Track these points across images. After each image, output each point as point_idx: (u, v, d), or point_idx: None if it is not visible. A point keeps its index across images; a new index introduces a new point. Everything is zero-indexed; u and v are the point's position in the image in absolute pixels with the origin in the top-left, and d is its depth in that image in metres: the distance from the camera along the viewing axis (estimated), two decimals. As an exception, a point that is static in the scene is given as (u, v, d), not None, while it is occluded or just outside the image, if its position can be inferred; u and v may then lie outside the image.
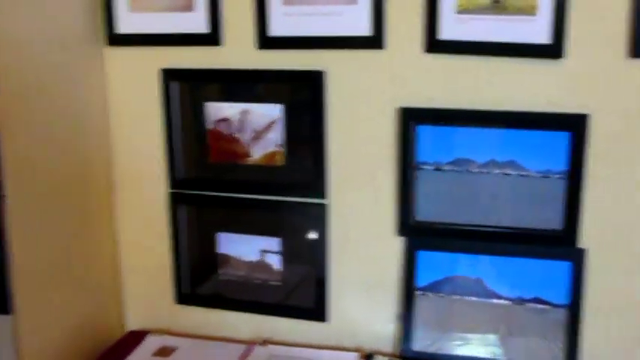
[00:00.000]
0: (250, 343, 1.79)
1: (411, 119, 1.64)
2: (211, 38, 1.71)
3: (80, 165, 1.74)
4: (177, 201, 1.82)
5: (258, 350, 1.76)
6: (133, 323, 1.94)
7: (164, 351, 1.78)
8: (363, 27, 1.63)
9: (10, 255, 1.53)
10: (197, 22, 1.71)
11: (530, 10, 1.53)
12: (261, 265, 1.80)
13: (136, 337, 1.85)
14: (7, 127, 1.49)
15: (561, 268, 1.64)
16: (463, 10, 1.57)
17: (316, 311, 1.78)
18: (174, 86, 1.76)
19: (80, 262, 1.76)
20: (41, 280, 1.61)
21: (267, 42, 1.68)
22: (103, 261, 1.86)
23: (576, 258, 1.63)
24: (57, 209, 1.67)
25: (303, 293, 1.79)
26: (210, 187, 1.79)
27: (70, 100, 1.69)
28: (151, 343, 1.81)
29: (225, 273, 1.83)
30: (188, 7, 1.71)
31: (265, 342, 1.79)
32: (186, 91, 1.76)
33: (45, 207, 1.63)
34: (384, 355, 1.74)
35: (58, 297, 1.68)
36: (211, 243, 1.82)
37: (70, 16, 1.69)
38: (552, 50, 1.54)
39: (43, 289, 1.63)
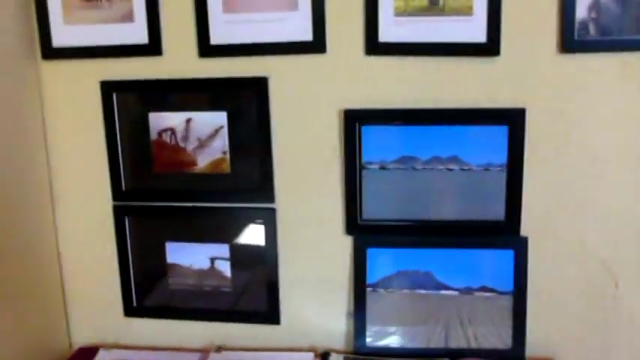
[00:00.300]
0: (204, 351, 1.80)
1: (355, 120, 1.68)
2: (152, 48, 1.71)
3: (19, 182, 1.71)
4: (122, 213, 1.81)
5: (213, 357, 1.77)
6: (80, 339, 1.91)
7: (120, 365, 1.76)
8: (304, 32, 1.65)
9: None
10: (137, 32, 1.71)
11: (466, 11, 1.59)
12: (212, 273, 1.80)
13: (86, 354, 1.82)
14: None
15: (505, 257, 1.71)
16: (401, 13, 1.62)
17: (269, 314, 1.81)
18: (116, 98, 1.75)
19: (24, 279, 1.73)
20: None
21: (208, 50, 1.70)
22: (47, 277, 1.83)
23: (519, 246, 1.70)
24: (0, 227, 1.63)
25: (254, 297, 1.80)
26: (157, 198, 1.79)
27: (3, 116, 1.64)
28: (103, 359, 1.79)
29: (174, 282, 1.83)
30: (127, 18, 1.70)
31: (220, 349, 1.80)
32: (128, 103, 1.75)
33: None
34: (338, 352, 1.77)
35: (5, 316, 1.63)
36: (160, 253, 1.82)
37: (1, 30, 1.65)
38: (489, 48, 1.61)
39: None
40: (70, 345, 1.92)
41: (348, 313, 1.78)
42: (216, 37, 1.68)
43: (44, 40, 1.75)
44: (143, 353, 1.81)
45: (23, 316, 1.72)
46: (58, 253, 1.87)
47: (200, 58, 1.70)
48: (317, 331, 1.80)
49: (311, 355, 1.76)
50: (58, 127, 1.80)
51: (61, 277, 1.89)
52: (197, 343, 1.85)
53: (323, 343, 1.80)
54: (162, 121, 1.74)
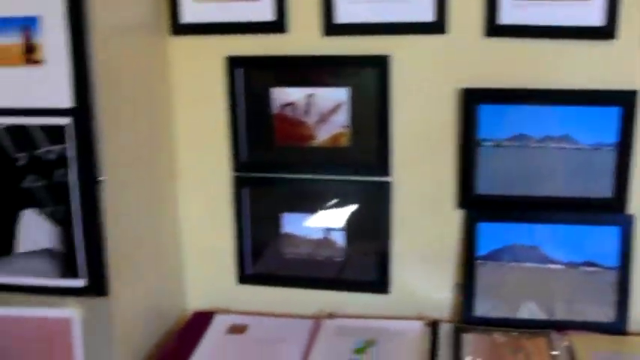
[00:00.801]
0: (316, 318, 1.87)
1: (473, 99, 1.75)
2: (277, 25, 1.78)
3: (144, 152, 1.79)
4: (241, 184, 1.89)
5: (326, 324, 1.84)
6: (194, 304, 1.99)
7: (236, 329, 1.84)
8: (426, 13, 1.72)
9: (105, 238, 1.57)
10: (263, 10, 1.78)
11: (585, -5, 1.66)
12: (325, 243, 1.88)
13: (202, 318, 1.90)
14: (105, 114, 1.54)
15: (611, 234, 1.78)
16: (521, -4, 1.68)
17: (378, 284, 1.88)
18: (239, 73, 1.82)
19: (150, 244, 1.82)
20: (125, 263, 1.66)
21: (332, 28, 1.77)
22: (167, 243, 1.91)
23: (625, 224, 1.77)
24: (134, 194, 1.72)
25: (365, 267, 1.88)
26: (275, 170, 1.87)
27: (133, 89, 1.73)
28: (220, 323, 1.88)
29: (288, 252, 1.90)
30: (256, -5, 1.77)
31: (331, 316, 1.87)
32: (252, 78, 1.83)
33: (128, 192, 1.68)
34: (447, 322, 1.84)
35: (127, 280, 1.72)
36: (275, 223, 1.90)
37: (135, 6, 1.73)
38: (606, 32, 1.68)
39: (127, 272, 1.67)
40: (184, 309, 1.99)
41: (456, 285, 1.85)
42: (340, 16, 1.75)
43: (173, 17, 1.82)
44: (257, 318, 1.89)
45: (144, 280, 1.80)
46: (178, 222, 1.94)
47: (324, 36, 1.77)
48: (424, 301, 1.88)
49: (420, 323, 1.83)
50: (183, 101, 1.88)
51: (179, 244, 1.96)
52: (308, 311, 1.92)
53: (430, 313, 1.87)
54: (284, 95, 1.82)
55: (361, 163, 1.82)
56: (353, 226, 1.86)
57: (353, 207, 1.85)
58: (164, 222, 1.89)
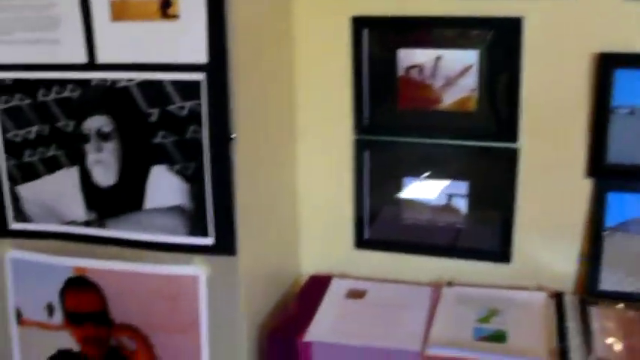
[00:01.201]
0: (436, 286, 1.84)
1: (609, 64, 1.69)
2: (406, -14, 1.74)
3: (272, 109, 1.78)
4: (362, 147, 1.86)
5: (446, 291, 1.81)
6: (309, 268, 1.98)
7: (355, 293, 1.82)
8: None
9: (236, 196, 1.56)
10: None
11: None
12: (447, 209, 1.84)
13: (319, 282, 1.88)
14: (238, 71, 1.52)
15: None
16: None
17: (500, 253, 1.84)
18: (365, 33, 1.79)
19: (272, 205, 1.81)
20: (251, 222, 1.64)
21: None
22: (286, 205, 1.90)
23: None
24: (260, 153, 1.71)
25: (487, 235, 1.84)
26: (398, 133, 1.83)
27: (263, 46, 1.71)
28: (338, 287, 1.86)
29: (408, 217, 1.87)
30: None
31: (450, 283, 1.84)
32: (377, 39, 1.79)
33: (255, 150, 1.67)
34: (571, 294, 1.79)
35: (261, 239, 1.72)
36: (396, 188, 1.87)
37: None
38: None
39: (253, 231, 1.66)
40: (299, 272, 1.98)
41: (581, 255, 1.79)
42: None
43: (300, -26, 1.79)
44: (375, 284, 1.86)
45: (266, 240, 1.80)
46: (296, 183, 1.92)
47: (457, -3, 1.72)
48: (547, 273, 1.83)
49: (543, 294, 1.78)
50: (305, 60, 1.85)
51: (297, 206, 1.94)
52: (425, 278, 1.88)
53: (553, 285, 1.81)
54: (411, 57, 1.78)
55: (488, 128, 1.77)
56: (476, 193, 1.82)
57: (477, 173, 1.80)
58: (284, 183, 1.87)
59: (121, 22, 1.54)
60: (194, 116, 1.52)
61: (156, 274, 1.64)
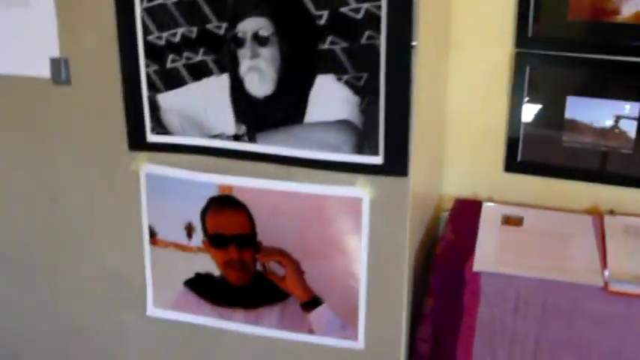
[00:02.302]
0: (596, 214, 1.70)
1: None
2: None
3: (437, 16, 1.62)
4: (524, 61, 1.70)
5: (609, 221, 1.67)
6: (450, 189, 1.84)
7: (511, 220, 1.69)
8: None
9: (412, 113, 1.40)
10: None
11: None
12: (613, 132, 1.70)
13: (468, 206, 1.75)
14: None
15: None
16: None
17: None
18: None
19: (431, 121, 1.66)
20: (418, 141, 1.48)
21: None
22: (437, 122, 1.75)
23: None
24: (428, 64, 1.54)
25: (655, 163, 1.69)
26: (566, 47, 1.67)
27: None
28: (490, 212, 1.72)
29: (569, 140, 1.72)
30: None
31: (613, 212, 1.70)
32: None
33: (426, 61, 1.49)
34: None
35: (424, 159, 1.58)
36: (558, 107, 1.72)
37: None
38: None
39: (419, 151, 1.50)
40: (441, 194, 1.84)
41: None
42: None
43: None
44: (531, 211, 1.73)
45: (426, 160, 1.66)
46: (447, 96, 1.77)
47: None
48: None
49: None
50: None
51: (445, 122, 1.79)
52: (579, 206, 1.75)
53: None
54: (588, -38, 1.60)
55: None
56: (648, 116, 1.66)
57: (652, 94, 1.64)
58: (438, 98, 1.71)
59: None
60: (371, 20, 1.36)
61: (313, 194, 1.50)
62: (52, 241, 1.71)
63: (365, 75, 1.39)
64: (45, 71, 1.58)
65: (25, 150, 1.65)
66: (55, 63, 1.57)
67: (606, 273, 1.47)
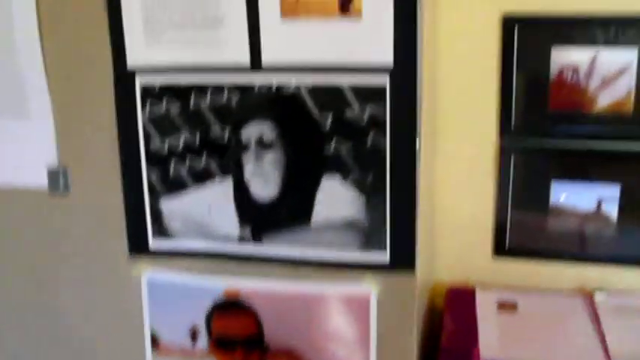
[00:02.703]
0: (583, 293, 1.76)
1: None
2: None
3: (428, 112, 1.65)
4: (508, 149, 1.76)
5: (600, 300, 1.73)
6: (442, 275, 1.88)
7: (506, 305, 1.73)
8: None
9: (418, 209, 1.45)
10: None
11: None
12: (597, 215, 1.76)
13: (462, 293, 1.79)
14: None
15: None
16: None
17: (652, 259, 1.76)
18: (515, 32, 1.69)
19: (425, 212, 1.66)
20: (421, 234, 1.51)
21: (623, -15, 1.63)
22: (426, 210, 1.78)
23: None
24: (426, 159, 1.59)
25: (638, 242, 1.76)
26: (547, 136, 1.74)
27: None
28: (485, 299, 1.76)
29: (555, 224, 1.78)
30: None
31: (600, 291, 1.76)
32: (530, 37, 1.70)
33: (424, 157, 1.52)
34: None
35: (424, 251, 1.59)
36: (543, 193, 1.78)
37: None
38: None
39: (422, 243, 1.52)
40: (434, 281, 1.88)
41: None
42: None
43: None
44: (522, 295, 1.77)
45: (425, 252, 1.68)
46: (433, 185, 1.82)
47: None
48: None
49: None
50: (448, 58, 1.74)
51: (433, 210, 1.84)
52: (570, 285, 1.80)
53: None
54: (565, 57, 1.69)
55: (644, 130, 1.69)
56: (629, 198, 1.74)
57: (631, 179, 1.72)
58: (430, 187, 1.76)
59: (292, 20, 1.40)
60: (375, 122, 1.40)
61: (321, 293, 1.51)
62: (53, 354, 1.68)
63: (370, 175, 1.43)
64: (43, 181, 1.56)
65: (25, 259, 1.63)
66: (54, 173, 1.56)
67: (608, 355, 1.51)
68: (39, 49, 1.49)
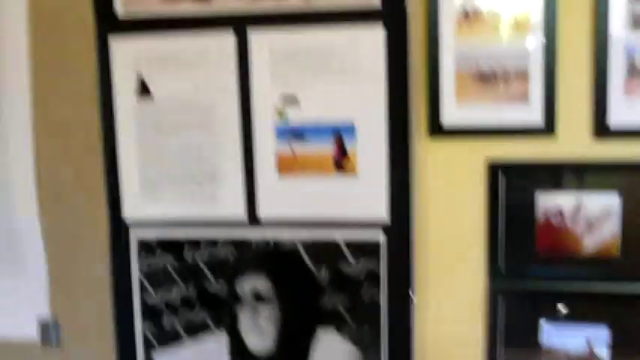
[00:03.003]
0: None
1: None
2: (545, 129, 1.70)
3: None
4: (496, 293, 1.78)
5: None
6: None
7: None
8: None
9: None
10: (531, 113, 1.70)
11: None
12: (588, 358, 1.77)
13: None
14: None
15: None
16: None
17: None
18: (501, 178, 1.73)
19: None
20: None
21: (604, 132, 1.69)
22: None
23: None
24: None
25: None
26: (536, 280, 1.76)
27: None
28: None
29: (546, 366, 1.79)
30: (522, 98, 1.69)
31: None
32: (515, 183, 1.74)
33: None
34: None
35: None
36: (532, 336, 1.78)
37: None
38: None
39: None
40: None
41: None
42: (615, 120, 1.68)
43: (434, 118, 1.73)
44: None
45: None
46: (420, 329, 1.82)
47: (594, 140, 1.69)
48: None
49: None
50: (437, 205, 1.77)
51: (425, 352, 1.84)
52: None
53: None
54: (550, 201, 1.73)
55: (632, 276, 1.72)
56: (620, 342, 1.75)
57: (620, 321, 1.74)
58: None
59: (289, 176, 1.43)
60: (371, 277, 1.42)
61: None
62: None
63: (366, 328, 1.44)
64: (34, 334, 1.55)
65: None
66: (45, 327, 1.54)
67: None
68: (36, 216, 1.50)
